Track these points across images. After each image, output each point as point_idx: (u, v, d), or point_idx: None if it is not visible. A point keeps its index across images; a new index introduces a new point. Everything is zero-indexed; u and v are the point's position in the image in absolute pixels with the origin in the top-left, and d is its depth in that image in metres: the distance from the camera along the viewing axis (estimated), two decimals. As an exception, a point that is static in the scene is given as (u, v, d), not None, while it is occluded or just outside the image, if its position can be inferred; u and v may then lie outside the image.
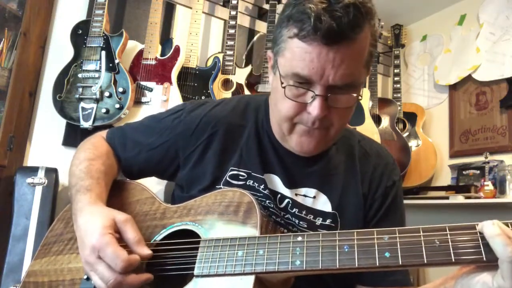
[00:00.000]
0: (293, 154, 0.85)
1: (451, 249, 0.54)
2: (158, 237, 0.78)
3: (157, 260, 0.75)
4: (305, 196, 0.85)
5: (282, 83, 0.74)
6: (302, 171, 0.86)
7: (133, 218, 0.83)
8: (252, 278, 0.63)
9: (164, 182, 1.69)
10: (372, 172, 0.89)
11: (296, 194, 0.85)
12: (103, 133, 1.00)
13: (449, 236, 0.55)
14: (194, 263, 0.69)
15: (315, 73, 0.70)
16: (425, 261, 0.55)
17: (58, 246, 0.86)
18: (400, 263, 0.56)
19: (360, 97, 0.76)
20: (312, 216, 0.84)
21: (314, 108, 0.72)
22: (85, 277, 0.76)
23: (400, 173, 0.93)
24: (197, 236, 0.74)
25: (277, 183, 0.86)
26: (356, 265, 0.58)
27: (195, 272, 0.68)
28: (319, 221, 0.83)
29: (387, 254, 0.57)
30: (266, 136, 0.89)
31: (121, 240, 0.72)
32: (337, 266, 0.59)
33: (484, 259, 0.52)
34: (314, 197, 0.85)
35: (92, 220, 0.73)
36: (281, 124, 0.80)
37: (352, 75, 0.71)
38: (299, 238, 0.64)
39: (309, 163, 0.86)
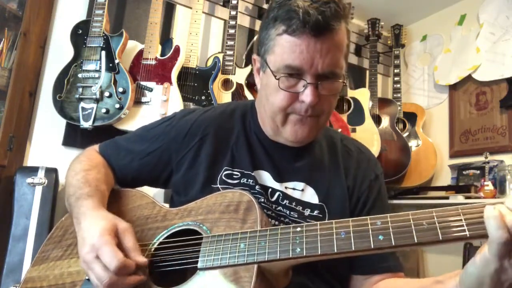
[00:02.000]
0: (281, 150, 0.91)
1: (438, 229, 0.59)
2: (161, 238, 0.80)
3: (161, 258, 0.77)
4: (293, 189, 0.90)
5: (275, 76, 0.80)
6: (290, 166, 0.92)
7: (134, 222, 0.85)
8: (254, 268, 0.65)
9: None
10: (355, 167, 0.95)
11: (285, 187, 0.90)
12: (96, 147, 1.04)
13: (435, 219, 0.60)
14: (198, 257, 0.71)
15: (305, 63, 0.77)
16: (416, 241, 0.59)
17: (57, 252, 0.86)
18: (393, 244, 0.60)
19: (344, 83, 0.84)
20: (301, 207, 0.88)
21: (307, 96, 0.79)
22: (86, 277, 0.76)
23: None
24: (199, 235, 0.75)
25: (267, 178, 0.90)
26: (353, 249, 0.62)
27: (199, 265, 0.70)
28: (307, 212, 0.88)
29: (380, 237, 0.61)
30: (254, 135, 0.94)
31: (120, 246, 0.73)
32: (335, 251, 0.63)
33: (468, 235, 0.57)
34: (302, 190, 0.90)
35: (95, 223, 0.75)
36: (274, 116, 0.85)
37: (337, 64, 0.79)
38: (298, 229, 0.67)
39: (296, 158, 0.92)
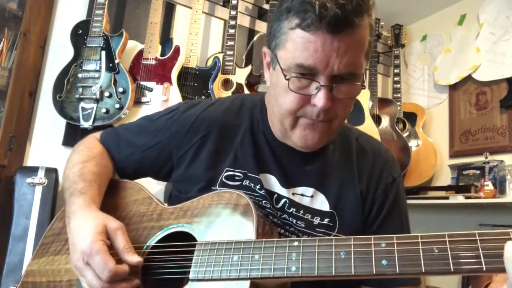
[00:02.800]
0: (290, 153, 0.84)
1: (450, 258, 0.52)
2: (155, 239, 0.78)
3: (154, 263, 0.75)
4: (302, 195, 0.84)
5: (285, 75, 0.72)
6: (299, 170, 0.85)
7: (131, 218, 0.83)
8: (247, 284, 0.63)
9: (164, 182, 1.69)
10: (370, 169, 0.87)
11: (293, 194, 0.84)
12: (97, 134, 1.00)
13: (448, 245, 0.53)
14: (190, 266, 0.69)
15: (319, 63, 0.68)
16: (423, 270, 0.53)
17: (56, 246, 0.86)
18: (398, 271, 0.54)
19: (363, 86, 0.75)
20: (309, 216, 0.82)
21: (320, 99, 0.70)
22: None
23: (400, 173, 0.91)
24: (194, 238, 0.73)
25: (274, 183, 0.84)
26: (353, 273, 0.57)
27: (191, 276, 0.67)
28: (317, 220, 0.82)
29: (384, 262, 0.55)
30: (261, 135, 0.88)
31: (112, 247, 0.71)
32: (333, 273, 0.58)
33: (484, 269, 0.50)
34: (312, 196, 0.83)
35: (84, 224, 0.72)
36: (283, 119, 0.78)
37: (356, 64, 0.71)
38: (295, 243, 0.62)
39: (306, 161, 0.85)
